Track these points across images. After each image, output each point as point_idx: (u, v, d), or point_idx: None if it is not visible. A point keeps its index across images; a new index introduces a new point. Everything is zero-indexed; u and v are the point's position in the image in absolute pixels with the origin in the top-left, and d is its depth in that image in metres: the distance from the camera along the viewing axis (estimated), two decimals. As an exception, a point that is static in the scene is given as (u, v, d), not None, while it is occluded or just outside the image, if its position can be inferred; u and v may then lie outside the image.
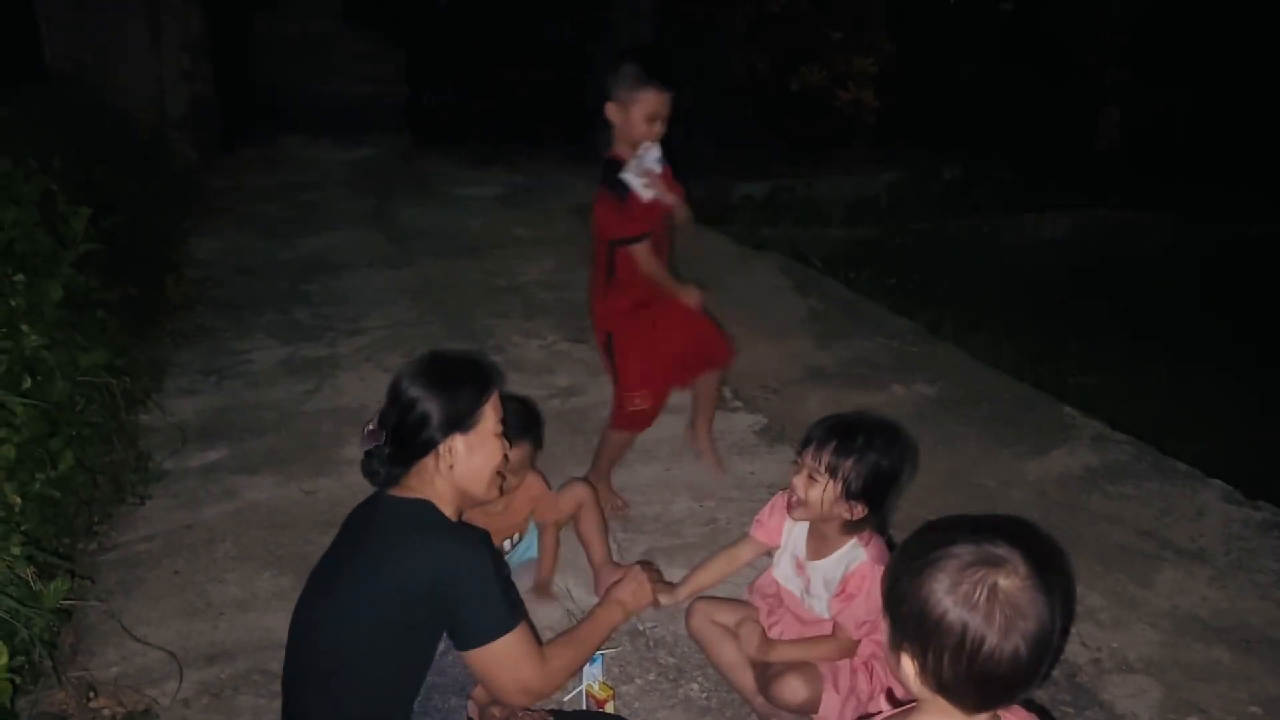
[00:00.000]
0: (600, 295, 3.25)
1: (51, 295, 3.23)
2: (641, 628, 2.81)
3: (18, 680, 2.31)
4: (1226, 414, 4.99)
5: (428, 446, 1.96)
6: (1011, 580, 1.25)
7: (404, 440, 1.96)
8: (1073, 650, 2.76)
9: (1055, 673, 2.66)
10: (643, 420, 3.35)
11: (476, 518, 2.81)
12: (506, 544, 2.96)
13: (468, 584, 1.87)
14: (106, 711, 2.48)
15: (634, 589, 2.28)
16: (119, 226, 4.53)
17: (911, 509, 3.45)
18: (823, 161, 9.18)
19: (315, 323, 5.31)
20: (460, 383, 2.00)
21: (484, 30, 9.97)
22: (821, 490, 2.18)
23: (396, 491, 2.01)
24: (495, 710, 2.25)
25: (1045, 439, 4.03)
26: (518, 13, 10.02)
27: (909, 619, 1.29)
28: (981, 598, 1.24)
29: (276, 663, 2.63)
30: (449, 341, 4.99)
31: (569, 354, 4.88)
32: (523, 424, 2.76)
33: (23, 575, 2.41)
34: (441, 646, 1.94)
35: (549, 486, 3.02)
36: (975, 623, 1.23)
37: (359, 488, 3.52)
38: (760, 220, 8.33)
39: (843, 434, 2.20)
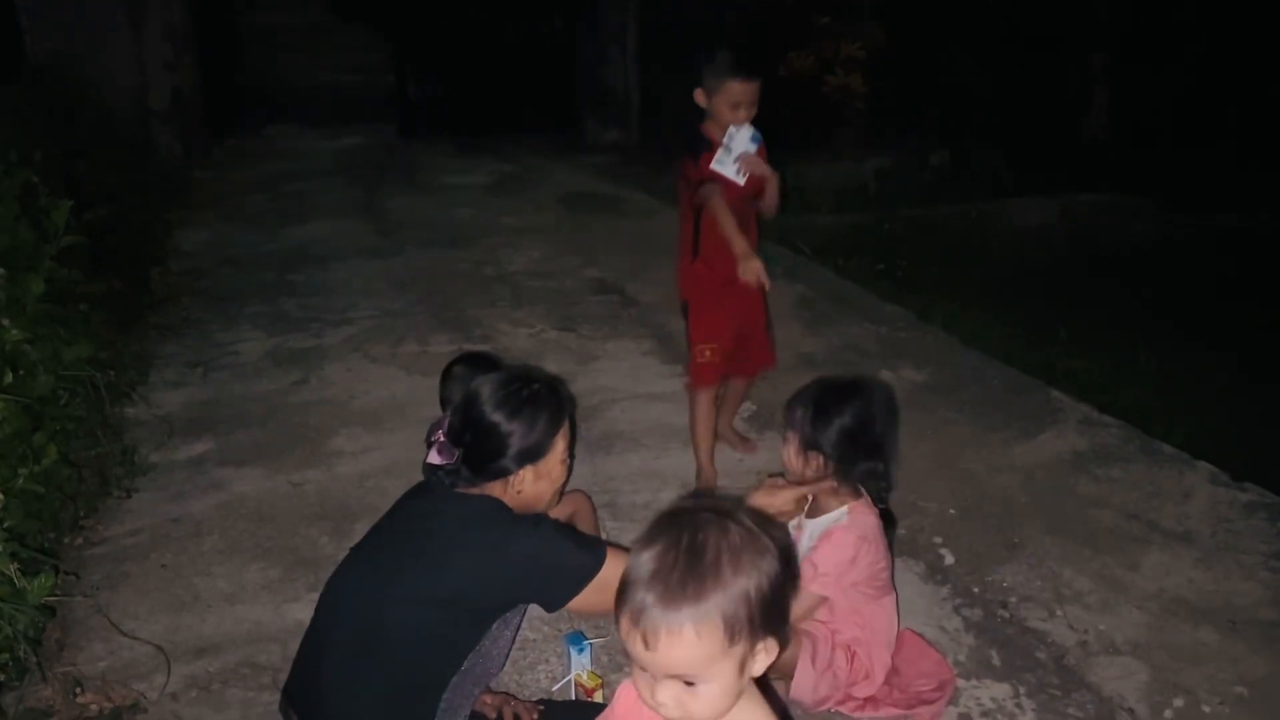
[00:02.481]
0: (685, 267, 3.40)
1: (33, 289, 3.20)
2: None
3: (2, 677, 2.30)
4: (1213, 396, 5.00)
5: (499, 474, 1.98)
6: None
7: (477, 465, 1.98)
8: (1060, 633, 2.77)
9: (1042, 655, 2.68)
10: (709, 374, 3.43)
11: None
12: None
13: (536, 560, 1.91)
14: (94, 707, 2.47)
15: (771, 497, 2.27)
16: (102, 219, 4.49)
17: (901, 494, 3.46)
18: (811, 148, 9.16)
19: (302, 314, 5.29)
20: (538, 413, 2.00)
21: (471, 20, 9.94)
22: (789, 448, 2.35)
23: (460, 488, 2.02)
24: (487, 698, 2.24)
25: (1033, 423, 4.04)
26: (504, 2, 9.99)
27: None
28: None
29: (265, 656, 2.65)
30: (438, 332, 4.98)
31: (558, 342, 4.87)
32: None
33: (6, 571, 2.39)
34: (490, 634, 1.96)
35: None
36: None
37: (347, 479, 3.56)
38: (748, 207, 8.31)
39: (800, 393, 2.40)
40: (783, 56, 8.98)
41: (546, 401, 2.03)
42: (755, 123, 3.24)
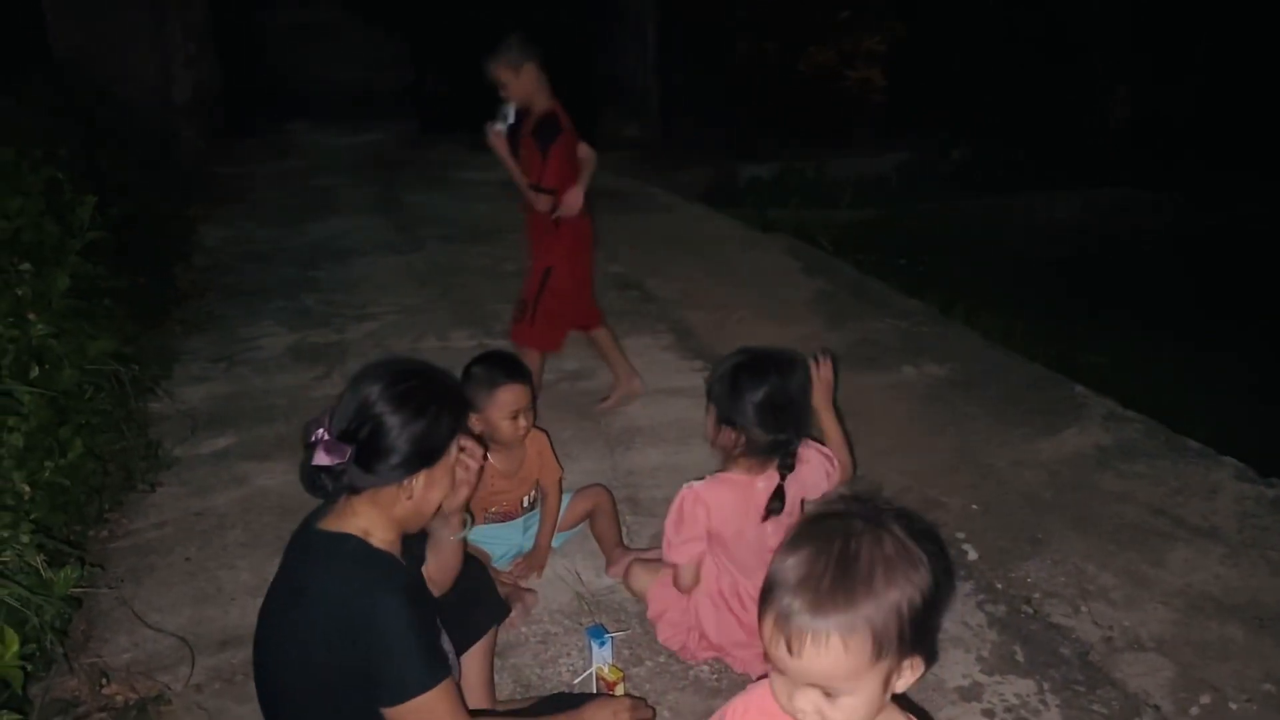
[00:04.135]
0: None
1: (58, 284, 3.23)
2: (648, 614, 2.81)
3: (29, 667, 2.31)
4: (1238, 391, 4.96)
5: (391, 479, 1.77)
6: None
7: (369, 466, 1.76)
8: (1084, 629, 2.74)
9: (1066, 651, 2.66)
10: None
11: (495, 481, 2.86)
12: (525, 500, 2.98)
13: (382, 636, 1.69)
14: (119, 698, 2.49)
15: (612, 713, 2.10)
16: (127, 215, 4.53)
17: (922, 489, 3.45)
18: (831, 142, 9.13)
19: (323, 309, 5.31)
20: (440, 415, 1.82)
21: (489, 17, 9.94)
22: (709, 418, 2.43)
23: (326, 523, 1.82)
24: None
25: (1056, 418, 4.01)
26: (523, -1, 9.99)
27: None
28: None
29: (287, 648, 2.65)
30: (457, 327, 4.99)
31: (575, 338, 4.86)
32: (511, 369, 2.82)
33: (33, 563, 2.41)
34: None
35: (554, 449, 3.06)
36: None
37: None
38: (768, 202, 8.31)
39: (720, 364, 2.46)
40: (803, 51, 8.96)
41: (446, 400, 1.85)
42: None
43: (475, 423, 2.80)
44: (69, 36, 7.38)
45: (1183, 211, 8.56)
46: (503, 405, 2.75)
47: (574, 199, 3.78)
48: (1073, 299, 6.41)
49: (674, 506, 2.44)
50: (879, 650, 1.16)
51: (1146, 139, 9.72)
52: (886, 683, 1.19)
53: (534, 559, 2.97)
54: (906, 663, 1.20)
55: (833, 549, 1.18)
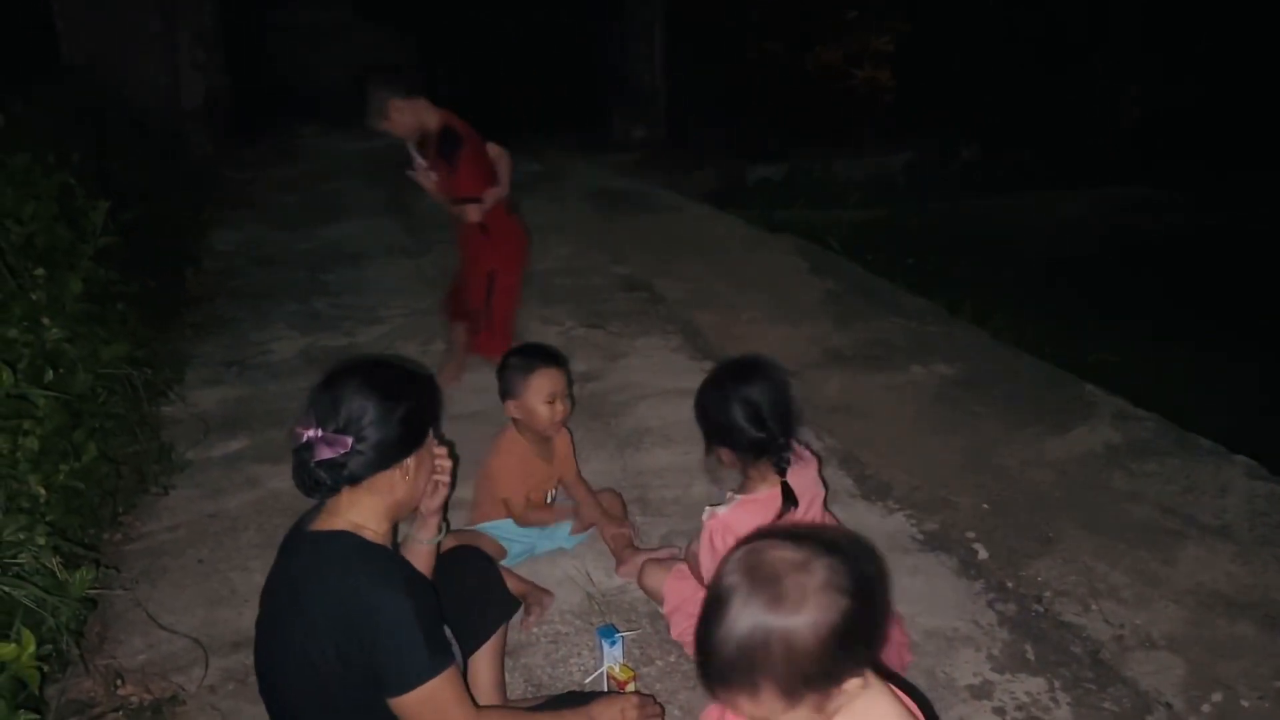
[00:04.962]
0: None
1: (72, 288, 3.25)
2: (662, 610, 2.81)
3: (45, 669, 2.33)
4: (1249, 388, 4.94)
5: (389, 462, 1.84)
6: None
7: (367, 453, 1.81)
8: (1095, 628, 2.74)
9: (1078, 649, 2.66)
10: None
11: (536, 466, 2.95)
12: (547, 497, 3.05)
13: (384, 628, 1.72)
14: (134, 699, 2.51)
15: (620, 710, 2.13)
16: (138, 220, 4.55)
17: (933, 489, 3.45)
18: (836, 142, 9.13)
19: (334, 312, 5.33)
20: (420, 395, 1.91)
21: (498, 20, 9.98)
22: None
23: (318, 524, 1.86)
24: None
25: (1066, 417, 4.01)
26: (532, 2, 10.01)
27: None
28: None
29: (300, 649, 2.67)
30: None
31: (586, 339, 4.88)
32: (546, 354, 2.92)
33: (49, 565, 2.43)
34: None
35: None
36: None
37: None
38: (776, 202, 8.32)
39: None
40: (810, 50, 8.97)
41: (421, 382, 1.95)
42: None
43: (512, 409, 2.86)
44: (78, 41, 7.43)
45: (1187, 211, 8.54)
46: (539, 389, 2.82)
47: (491, 197, 3.88)
48: (1081, 298, 6.40)
49: (704, 539, 2.44)
50: (791, 699, 1.21)
51: (1150, 139, 9.71)
52: (821, 703, 1.24)
53: (584, 517, 3.06)
54: (836, 689, 1.24)
55: (725, 616, 1.21)
